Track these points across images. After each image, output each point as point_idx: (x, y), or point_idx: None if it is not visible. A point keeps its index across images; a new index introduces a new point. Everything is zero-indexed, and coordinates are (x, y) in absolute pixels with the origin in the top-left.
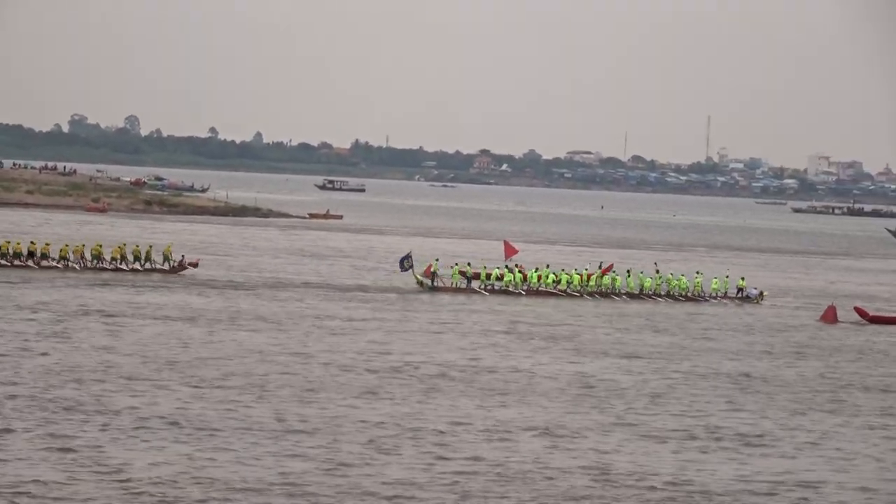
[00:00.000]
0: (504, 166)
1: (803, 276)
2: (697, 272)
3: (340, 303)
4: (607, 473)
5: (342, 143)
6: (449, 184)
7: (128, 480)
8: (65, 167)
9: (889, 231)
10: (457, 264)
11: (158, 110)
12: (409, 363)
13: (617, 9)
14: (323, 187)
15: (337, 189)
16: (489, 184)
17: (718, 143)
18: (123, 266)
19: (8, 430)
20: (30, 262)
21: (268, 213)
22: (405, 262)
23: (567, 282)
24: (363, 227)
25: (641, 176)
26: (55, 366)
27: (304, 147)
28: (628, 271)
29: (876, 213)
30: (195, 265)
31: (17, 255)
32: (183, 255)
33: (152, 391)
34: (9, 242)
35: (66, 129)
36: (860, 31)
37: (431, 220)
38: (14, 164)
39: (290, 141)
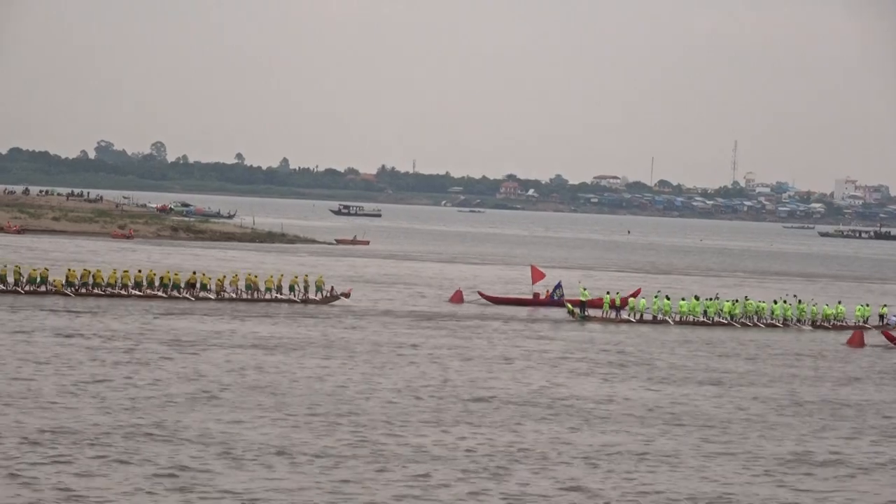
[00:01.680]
0: (530, 191)
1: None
2: (839, 301)
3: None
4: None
5: (369, 168)
6: (476, 209)
7: None
8: (87, 193)
9: None
10: (608, 293)
11: (185, 136)
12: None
13: (644, 33)
14: (339, 212)
15: (353, 214)
16: (515, 209)
17: (745, 167)
18: (279, 295)
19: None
20: (187, 294)
21: (294, 240)
22: (557, 292)
23: (717, 311)
24: (393, 253)
25: (668, 200)
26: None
27: (331, 173)
28: (776, 301)
29: None
30: (347, 295)
31: (176, 286)
32: (333, 286)
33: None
34: (176, 274)
35: (92, 155)
36: (885, 54)
37: (459, 245)
38: (41, 191)
39: (317, 167)
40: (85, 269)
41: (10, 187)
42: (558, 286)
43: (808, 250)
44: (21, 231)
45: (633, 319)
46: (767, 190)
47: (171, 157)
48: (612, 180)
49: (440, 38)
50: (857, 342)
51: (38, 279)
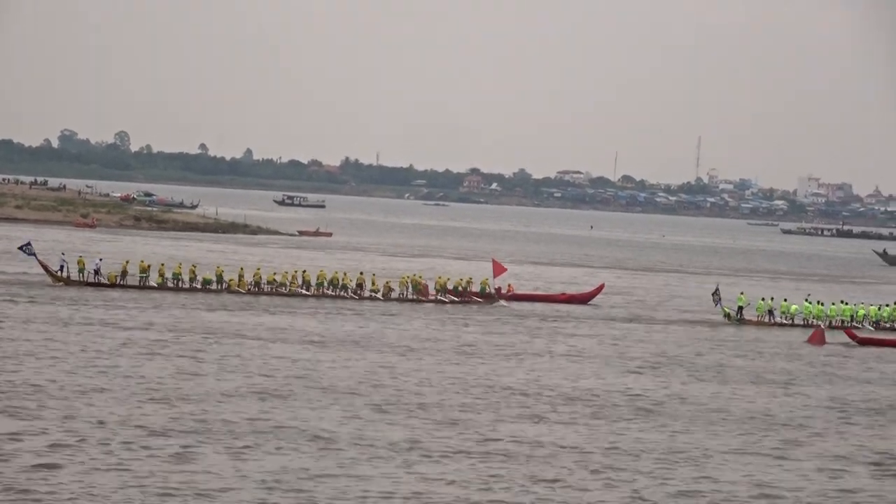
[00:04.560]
0: (494, 185)
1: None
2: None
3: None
4: None
5: (332, 160)
6: (441, 202)
7: None
8: (46, 181)
9: (876, 253)
10: (763, 299)
11: (148, 126)
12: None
13: (607, 31)
14: (282, 203)
15: (296, 205)
16: (479, 202)
17: (708, 163)
18: (443, 298)
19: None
20: (354, 294)
21: (256, 231)
22: (715, 296)
23: (864, 315)
24: (362, 245)
25: (631, 196)
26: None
27: (294, 164)
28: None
29: (865, 235)
30: (508, 297)
31: (345, 286)
32: (499, 287)
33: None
34: (346, 274)
35: (55, 144)
36: (850, 53)
37: (421, 238)
38: (3, 179)
39: (280, 158)
40: (257, 269)
41: None
42: (716, 291)
43: (797, 249)
44: None
45: (786, 322)
46: (731, 187)
47: (134, 147)
48: (575, 175)
49: (405, 30)
50: (817, 340)
51: (215, 278)
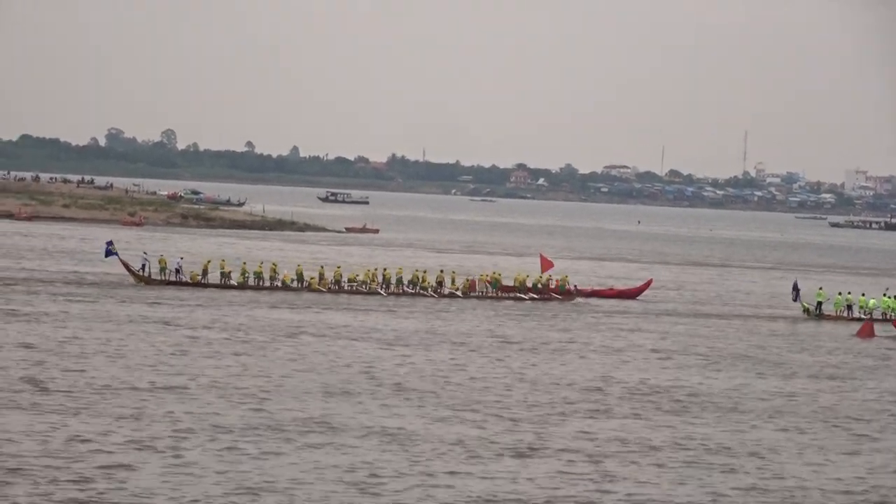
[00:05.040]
0: (541, 180)
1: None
2: None
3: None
4: None
5: (379, 157)
6: (487, 198)
7: None
8: (93, 180)
9: None
10: (840, 293)
11: (195, 124)
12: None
13: (655, 23)
14: (326, 199)
15: (340, 202)
16: (525, 198)
17: (755, 157)
18: (522, 295)
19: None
20: (433, 292)
21: (304, 228)
22: (794, 292)
23: None
24: (411, 241)
25: (678, 190)
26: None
27: (341, 161)
28: None
29: None
30: (587, 295)
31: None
32: (575, 285)
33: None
34: (424, 272)
35: (102, 143)
36: None
37: (469, 234)
38: (51, 178)
39: (327, 155)
40: (338, 268)
41: (20, 174)
42: (795, 286)
43: (851, 243)
44: (31, 218)
45: (864, 316)
46: (778, 180)
47: (181, 145)
48: (622, 170)
49: (451, 27)
50: (867, 333)
51: (296, 277)
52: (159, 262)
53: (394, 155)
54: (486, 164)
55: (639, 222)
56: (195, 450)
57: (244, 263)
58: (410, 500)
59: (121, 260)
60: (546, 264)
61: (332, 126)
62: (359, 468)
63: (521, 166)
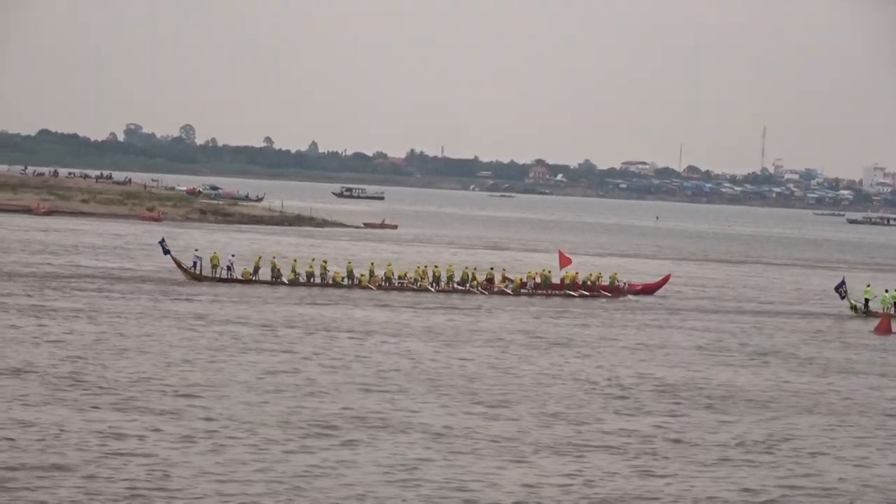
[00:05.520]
0: (559, 176)
1: None
2: None
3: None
4: None
5: (397, 152)
6: (507, 194)
7: None
8: (111, 175)
9: None
10: (886, 290)
11: (214, 120)
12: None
13: (673, 20)
14: (341, 195)
15: (355, 197)
16: (544, 193)
17: (773, 153)
18: (572, 292)
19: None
20: (483, 289)
21: (322, 223)
22: (841, 289)
23: None
24: (430, 237)
25: (696, 186)
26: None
27: (359, 157)
28: None
29: None
30: (638, 292)
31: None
32: (626, 282)
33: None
34: (474, 269)
35: (121, 138)
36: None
37: (488, 230)
38: (70, 173)
39: (346, 151)
40: (389, 265)
41: (39, 169)
42: (842, 283)
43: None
44: (50, 213)
45: None
46: (796, 177)
47: (199, 140)
48: (640, 166)
49: (471, 22)
50: (884, 330)
51: (346, 274)
52: (211, 259)
53: (412, 150)
54: (505, 160)
55: (657, 218)
56: (241, 447)
57: (294, 261)
58: (455, 498)
59: (173, 257)
60: (564, 261)
61: (352, 122)
62: (403, 465)
63: (539, 162)
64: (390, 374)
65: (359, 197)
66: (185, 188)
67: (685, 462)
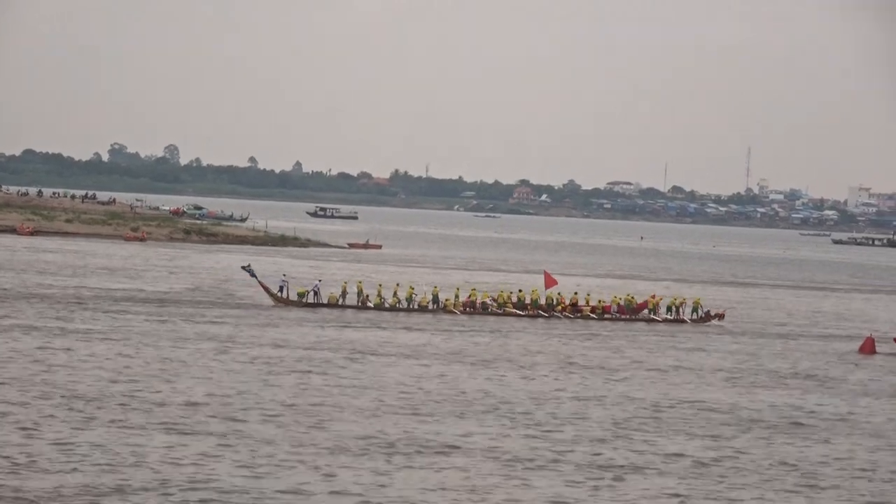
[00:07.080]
0: (543, 196)
1: None
2: None
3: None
4: None
5: (382, 172)
6: (491, 214)
7: None
8: (95, 195)
9: None
10: None
11: (198, 140)
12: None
13: (657, 40)
14: (315, 214)
15: (329, 217)
16: (528, 214)
17: (758, 174)
18: (655, 316)
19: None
20: (537, 312)
21: (306, 244)
22: None
23: None
24: (414, 257)
25: (681, 206)
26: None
27: (344, 177)
28: None
29: None
30: (722, 317)
31: (531, 303)
32: (709, 310)
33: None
34: (534, 291)
35: (105, 158)
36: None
37: (472, 250)
38: (54, 193)
39: (330, 170)
40: (473, 289)
41: (23, 189)
42: None
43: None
44: (34, 233)
45: None
46: (781, 197)
47: (184, 160)
48: (625, 186)
49: (454, 43)
50: (868, 350)
51: (431, 298)
52: (298, 293)
53: (396, 171)
54: (489, 180)
55: (642, 238)
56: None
57: (380, 285)
58: None
59: (259, 282)
60: (549, 281)
61: (336, 142)
62: (460, 487)
63: (523, 182)
64: (485, 399)
65: (332, 216)
66: (169, 208)
67: (718, 485)
